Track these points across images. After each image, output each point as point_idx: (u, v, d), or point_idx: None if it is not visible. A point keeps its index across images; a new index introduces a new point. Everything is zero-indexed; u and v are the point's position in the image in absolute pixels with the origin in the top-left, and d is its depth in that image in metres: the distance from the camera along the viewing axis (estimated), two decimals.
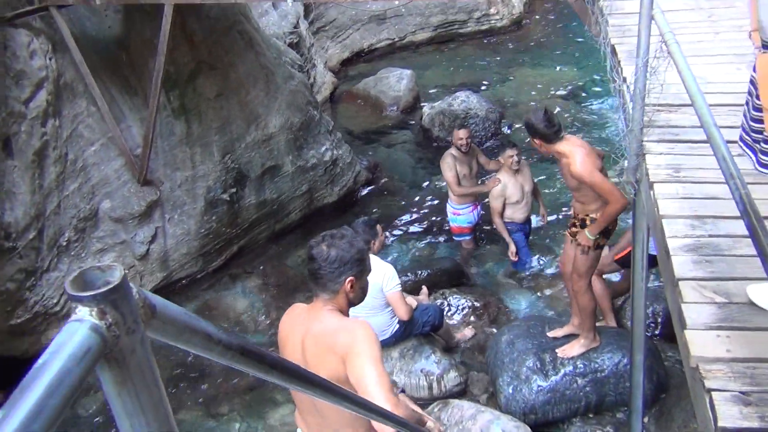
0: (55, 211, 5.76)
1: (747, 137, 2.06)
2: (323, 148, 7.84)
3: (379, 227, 4.52)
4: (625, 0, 4.40)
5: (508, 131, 9.45)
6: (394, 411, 2.15)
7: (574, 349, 4.61)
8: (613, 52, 3.90)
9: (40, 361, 0.53)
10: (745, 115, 2.09)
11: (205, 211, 6.76)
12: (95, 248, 6.10)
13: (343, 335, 2.37)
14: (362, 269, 2.50)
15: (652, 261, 3.62)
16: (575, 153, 3.91)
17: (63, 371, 0.52)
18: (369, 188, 8.34)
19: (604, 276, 5.33)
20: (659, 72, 3.02)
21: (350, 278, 2.45)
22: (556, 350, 4.64)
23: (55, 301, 5.78)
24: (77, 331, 0.54)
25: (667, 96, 3.35)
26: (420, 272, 6.18)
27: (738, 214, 1.75)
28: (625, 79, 3.56)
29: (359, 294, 2.53)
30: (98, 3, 5.78)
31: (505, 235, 6.16)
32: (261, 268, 7.02)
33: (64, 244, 5.86)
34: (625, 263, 4.95)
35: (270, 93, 7.38)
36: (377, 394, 2.19)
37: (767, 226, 1.65)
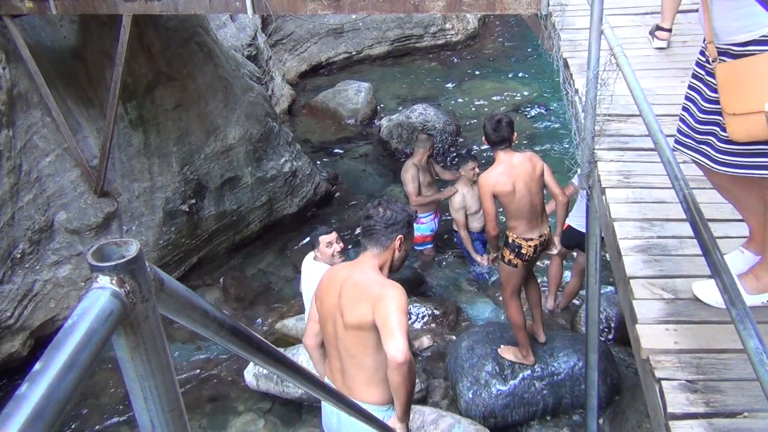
0: (8, 223, 5.66)
1: (689, 141, 2.19)
2: (282, 160, 7.87)
3: (335, 234, 4.54)
4: (576, 16, 4.57)
5: (461, 139, 9.63)
6: (405, 353, 2.49)
7: (508, 354, 4.77)
8: (566, 65, 4.06)
9: (69, 322, 0.59)
10: (683, 121, 2.22)
11: (164, 222, 6.72)
12: (51, 260, 6.01)
13: (378, 288, 2.71)
14: (410, 231, 2.90)
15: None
16: (495, 165, 4.27)
17: (90, 331, 0.58)
18: (329, 199, 8.39)
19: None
20: (609, 84, 3.18)
21: (400, 236, 2.82)
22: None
23: (9, 314, 5.67)
24: (100, 297, 0.60)
25: (616, 106, 3.51)
26: None
27: (684, 217, 1.87)
28: (577, 91, 3.71)
29: (403, 255, 2.90)
30: (54, 13, 5.72)
31: (470, 248, 6.30)
32: (221, 279, 7.00)
33: (18, 256, 5.76)
34: (567, 245, 5.27)
35: (229, 104, 7.40)
36: (397, 334, 2.53)
37: (710, 226, 1.79)
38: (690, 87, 2.15)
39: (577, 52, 4.13)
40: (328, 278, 2.98)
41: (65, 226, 6.08)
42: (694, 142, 2.14)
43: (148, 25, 6.49)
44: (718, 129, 2.05)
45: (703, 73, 2.12)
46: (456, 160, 8.77)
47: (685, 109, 2.18)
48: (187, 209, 6.91)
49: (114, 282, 0.61)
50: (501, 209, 4.36)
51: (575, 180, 4.75)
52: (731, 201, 2.35)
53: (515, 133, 4.26)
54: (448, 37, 13.50)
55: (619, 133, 3.42)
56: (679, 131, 2.23)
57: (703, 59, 2.11)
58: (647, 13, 4.71)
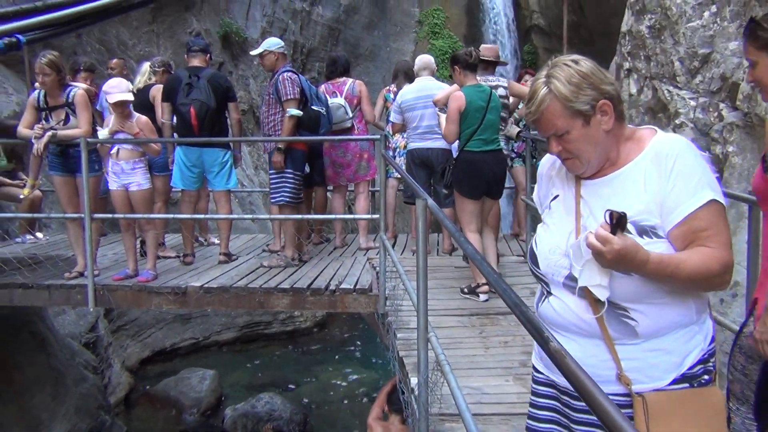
0: None
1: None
2: None
3: None
4: (410, 316, 4.93)
5: None
6: None
7: None
8: (401, 364, 4.28)
9: None
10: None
11: None
12: None
13: None
14: None
15: None
16: None
17: None
18: None
19: None
20: (439, 385, 3.38)
21: None
22: None
23: None
24: None
25: (449, 405, 3.68)
26: None
27: None
28: (412, 390, 3.88)
29: None
30: None
31: None
32: None
33: None
34: None
35: (58, 397, 6.90)
36: None
37: None
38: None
39: (411, 351, 4.37)
40: None
41: None
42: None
43: None
44: None
45: None
46: None
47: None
48: None
49: None
50: None
51: None
52: None
53: None
54: (297, 323, 13.82)
55: None
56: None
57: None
58: (473, 315, 5.19)
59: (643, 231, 1.81)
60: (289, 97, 6.00)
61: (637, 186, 1.85)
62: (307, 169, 6.54)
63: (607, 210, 1.71)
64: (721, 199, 1.80)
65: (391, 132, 7.14)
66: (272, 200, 6.28)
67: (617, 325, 1.85)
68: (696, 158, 1.82)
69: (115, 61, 7.82)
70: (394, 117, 6.70)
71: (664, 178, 1.81)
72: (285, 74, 6.06)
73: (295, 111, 5.99)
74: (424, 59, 6.78)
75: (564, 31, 13.24)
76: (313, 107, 6.19)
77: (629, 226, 1.78)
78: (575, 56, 1.91)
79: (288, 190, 6.10)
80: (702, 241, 1.78)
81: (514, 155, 7.32)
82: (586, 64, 1.88)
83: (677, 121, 5.22)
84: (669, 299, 1.83)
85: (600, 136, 1.87)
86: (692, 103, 5.13)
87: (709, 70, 5.07)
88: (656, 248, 1.78)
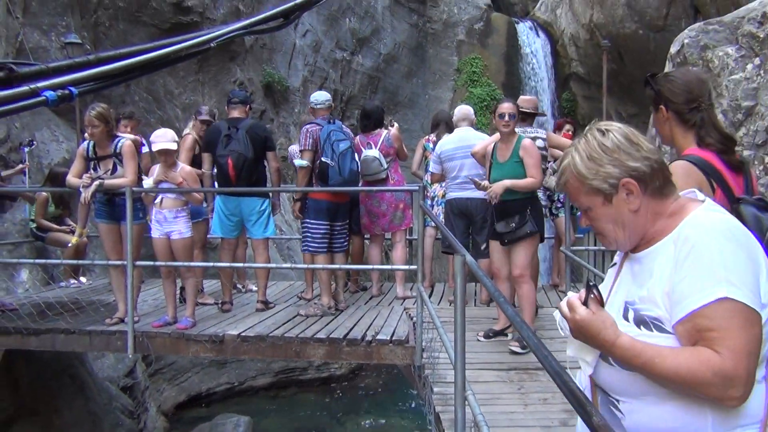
0: None
1: None
2: None
3: None
4: (447, 370, 4.85)
5: None
6: None
7: None
8: (437, 419, 4.20)
9: None
10: None
11: None
12: None
13: None
14: None
15: None
16: None
17: None
18: None
19: None
20: None
21: None
22: None
23: None
24: None
25: None
26: None
27: None
28: None
29: None
30: None
31: None
32: None
33: None
34: None
35: None
36: None
37: None
38: None
39: (448, 407, 4.29)
40: None
41: None
42: None
43: (19, 356, 6.29)
44: None
45: None
46: None
47: None
48: None
49: None
50: None
51: None
52: None
53: None
54: (332, 370, 13.74)
55: None
56: None
57: None
58: (511, 369, 5.09)
59: (641, 321, 1.63)
60: (300, 149, 6.40)
61: (653, 270, 1.66)
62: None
63: (587, 278, 1.61)
64: (742, 298, 1.51)
65: (429, 181, 7.17)
66: (301, 249, 6.49)
67: (606, 413, 1.69)
68: (722, 246, 1.55)
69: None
70: (433, 167, 6.73)
71: (678, 266, 1.59)
72: (306, 126, 6.35)
73: (298, 162, 6.38)
74: (463, 110, 6.83)
75: (603, 80, 13.24)
76: (322, 159, 6.19)
77: (629, 314, 1.65)
78: (610, 124, 1.74)
79: (309, 239, 6.25)
80: (707, 343, 1.51)
81: (560, 205, 7.29)
82: (614, 136, 1.69)
83: None
84: (670, 402, 1.58)
85: (625, 215, 1.69)
86: None
87: (754, 123, 4.99)
88: (657, 342, 1.58)
